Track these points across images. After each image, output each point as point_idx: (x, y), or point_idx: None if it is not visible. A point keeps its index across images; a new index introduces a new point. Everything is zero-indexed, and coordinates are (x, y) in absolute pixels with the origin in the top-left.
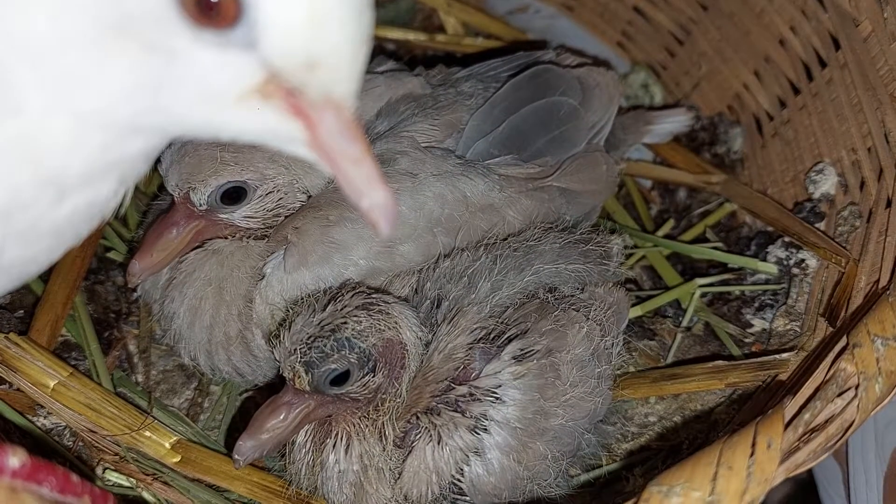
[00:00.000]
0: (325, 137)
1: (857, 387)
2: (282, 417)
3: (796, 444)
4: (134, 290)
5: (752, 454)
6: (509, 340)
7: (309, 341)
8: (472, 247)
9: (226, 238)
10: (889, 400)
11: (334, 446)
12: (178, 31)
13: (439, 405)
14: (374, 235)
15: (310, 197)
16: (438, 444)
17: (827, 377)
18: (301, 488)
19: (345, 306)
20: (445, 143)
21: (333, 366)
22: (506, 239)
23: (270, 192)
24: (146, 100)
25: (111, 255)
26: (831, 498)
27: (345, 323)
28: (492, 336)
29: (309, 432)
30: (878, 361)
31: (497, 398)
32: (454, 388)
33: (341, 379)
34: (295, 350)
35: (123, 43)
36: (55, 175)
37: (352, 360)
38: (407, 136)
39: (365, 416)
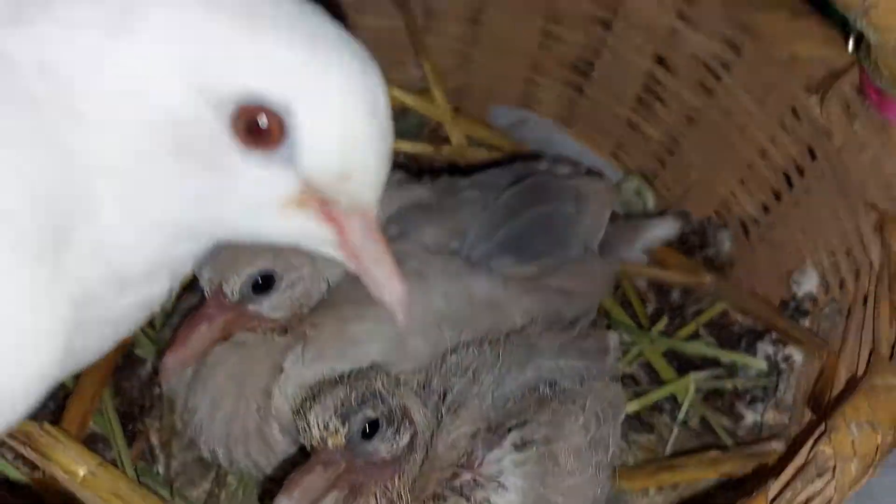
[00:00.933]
0: (352, 239)
1: (834, 468)
2: (317, 474)
3: None
4: (158, 384)
5: None
6: (510, 430)
7: (343, 397)
8: (476, 342)
9: (252, 331)
10: (865, 480)
11: None
12: (230, 152)
13: (445, 491)
14: (386, 331)
15: (329, 287)
16: None
17: (807, 460)
18: None
19: (367, 377)
20: (451, 246)
21: (369, 412)
22: (508, 335)
23: (295, 282)
24: (200, 209)
25: (137, 352)
26: None
27: (372, 381)
28: (494, 427)
29: None
30: (853, 444)
31: (500, 484)
32: (459, 475)
33: (372, 430)
34: (330, 406)
35: (184, 161)
36: (121, 273)
37: (383, 409)
38: (415, 239)
39: (384, 492)
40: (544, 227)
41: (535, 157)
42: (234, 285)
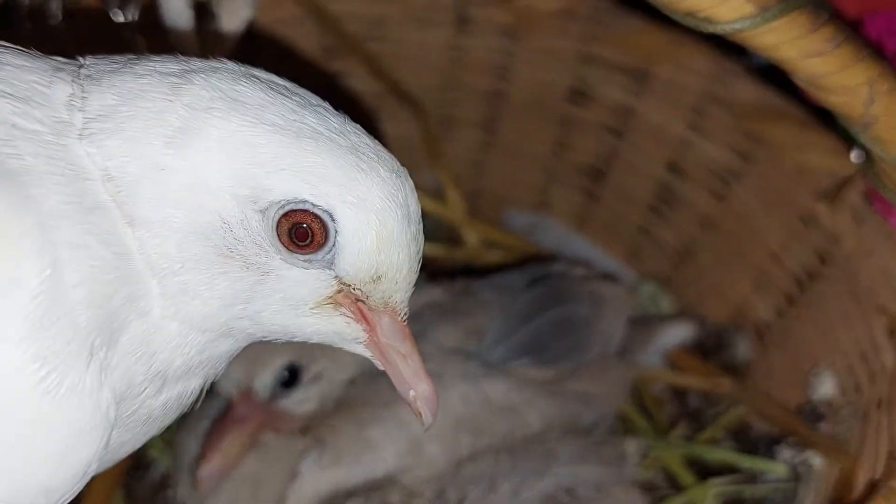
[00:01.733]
0: (382, 338)
1: None
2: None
3: None
4: (170, 487)
5: None
6: None
7: None
8: (493, 449)
9: (277, 431)
10: None
11: None
12: (273, 254)
13: None
14: (403, 436)
15: (348, 381)
16: None
17: None
18: None
19: (382, 489)
20: (467, 348)
21: None
22: (525, 442)
23: (319, 374)
24: (241, 308)
25: (150, 453)
26: None
27: (387, 494)
28: None
29: None
30: None
31: None
32: None
33: None
34: None
35: (230, 263)
36: (161, 371)
37: None
38: (432, 339)
39: None
40: (562, 330)
41: (551, 259)
42: (266, 380)
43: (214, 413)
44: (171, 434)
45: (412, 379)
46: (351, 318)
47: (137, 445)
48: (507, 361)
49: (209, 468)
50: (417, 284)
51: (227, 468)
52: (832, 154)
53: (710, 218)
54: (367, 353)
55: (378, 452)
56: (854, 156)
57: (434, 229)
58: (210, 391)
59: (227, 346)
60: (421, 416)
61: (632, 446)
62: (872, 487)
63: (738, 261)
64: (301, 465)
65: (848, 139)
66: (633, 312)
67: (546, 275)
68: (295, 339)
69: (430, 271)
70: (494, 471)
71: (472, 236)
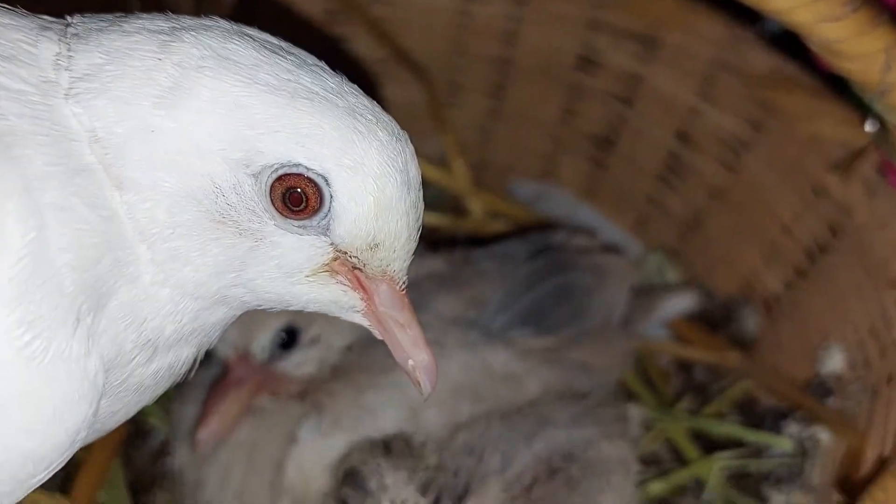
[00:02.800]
0: (380, 307)
1: None
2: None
3: None
4: (169, 456)
5: None
6: None
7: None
8: (485, 419)
9: (276, 395)
10: None
11: None
12: (268, 220)
13: None
14: (402, 401)
15: (346, 347)
16: None
17: None
18: None
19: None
20: (468, 317)
21: None
22: (519, 409)
23: (317, 338)
24: (234, 275)
25: (150, 420)
26: None
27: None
28: None
29: None
30: None
31: None
32: None
33: None
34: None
35: (222, 229)
36: (152, 338)
37: None
38: (432, 309)
39: None
40: (564, 299)
41: (552, 227)
42: (263, 343)
43: (211, 378)
44: (170, 402)
45: (411, 348)
46: (348, 286)
47: (129, 415)
48: (508, 330)
49: (207, 431)
50: (417, 254)
51: (226, 431)
52: (845, 124)
53: (720, 188)
54: (365, 323)
55: (376, 418)
56: (868, 125)
57: (437, 199)
58: (207, 357)
59: (221, 315)
60: (420, 385)
61: (634, 412)
62: (881, 464)
63: (747, 232)
64: (299, 430)
65: (862, 108)
66: (637, 283)
67: (548, 245)
68: (291, 308)
69: (433, 242)
70: (486, 440)
71: (476, 206)
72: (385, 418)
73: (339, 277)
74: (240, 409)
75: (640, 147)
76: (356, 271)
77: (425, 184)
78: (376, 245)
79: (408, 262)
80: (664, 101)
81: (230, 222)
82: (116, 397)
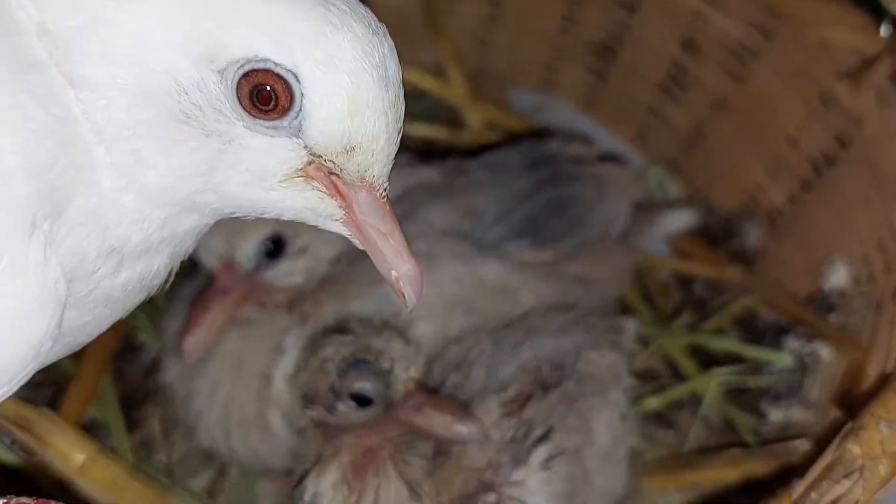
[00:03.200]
0: (359, 215)
1: (861, 468)
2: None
3: None
4: (159, 370)
5: None
6: (538, 441)
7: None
8: (478, 331)
9: (262, 306)
10: (894, 482)
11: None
12: (235, 121)
13: None
14: (389, 313)
15: (333, 258)
16: None
17: (834, 459)
18: None
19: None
20: (460, 227)
21: None
22: (508, 324)
23: (304, 248)
24: (202, 180)
25: (140, 336)
26: None
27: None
28: (519, 435)
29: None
30: (882, 444)
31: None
32: (482, 494)
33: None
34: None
35: (187, 130)
36: (117, 246)
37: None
38: (423, 219)
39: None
40: (562, 211)
41: (547, 135)
42: (248, 251)
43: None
44: (159, 317)
45: (394, 258)
46: (324, 192)
47: (102, 328)
48: (503, 242)
49: (192, 341)
50: (408, 164)
51: (211, 340)
52: (857, 30)
53: (725, 99)
54: (345, 232)
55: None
56: (883, 30)
57: (433, 110)
58: (194, 269)
59: (192, 223)
60: (404, 297)
61: (629, 325)
62: (884, 380)
63: (752, 144)
64: (286, 341)
65: (877, 12)
66: (638, 196)
67: (545, 154)
68: (266, 216)
69: (427, 154)
70: (476, 355)
71: (474, 118)
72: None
73: (315, 183)
74: (225, 319)
75: (643, 56)
76: (333, 177)
77: (420, 94)
78: (352, 148)
79: (388, 168)
80: (668, 7)
81: (195, 123)
82: (85, 309)
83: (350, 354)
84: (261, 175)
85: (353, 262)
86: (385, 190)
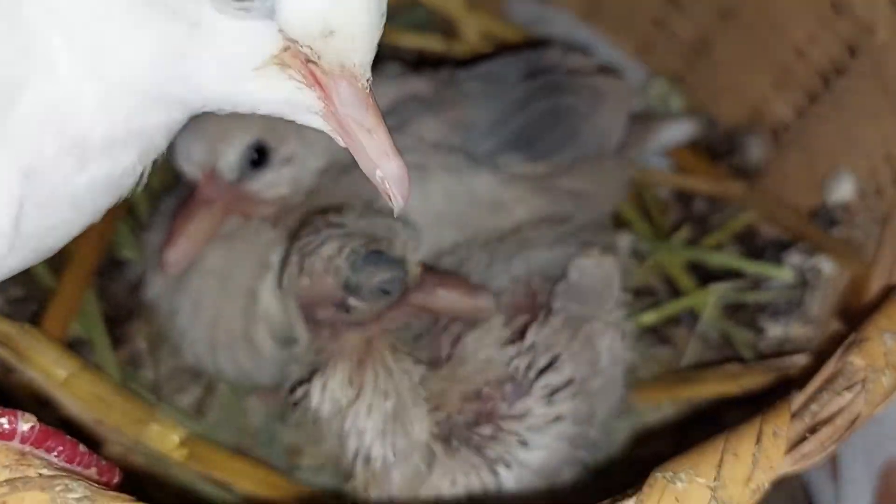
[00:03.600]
0: (340, 107)
1: (864, 380)
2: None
3: (803, 434)
4: (145, 287)
5: (757, 442)
6: (540, 373)
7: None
8: (469, 245)
9: (247, 217)
10: None
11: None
12: (203, 1)
13: (460, 445)
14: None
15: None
16: (452, 484)
17: (835, 371)
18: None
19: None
20: (451, 140)
21: None
22: (502, 238)
23: (290, 158)
24: (170, 69)
25: (124, 252)
26: None
27: None
28: (523, 365)
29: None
30: (886, 355)
31: (524, 442)
32: (478, 427)
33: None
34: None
35: (150, 13)
36: (78, 141)
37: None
38: (413, 131)
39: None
40: (556, 122)
41: (544, 46)
42: (231, 160)
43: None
44: (143, 232)
45: (378, 156)
46: (301, 82)
47: (72, 233)
48: (496, 155)
49: (174, 253)
50: (398, 75)
51: (193, 252)
52: None
53: (730, 8)
54: (326, 127)
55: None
56: None
57: (426, 20)
58: (177, 183)
59: (162, 117)
60: (390, 198)
61: (624, 241)
62: (888, 293)
63: (758, 55)
64: (272, 257)
65: None
66: (637, 109)
67: (540, 65)
68: (240, 110)
69: (419, 66)
70: (468, 268)
71: (469, 29)
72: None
73: (291, 72)
74: (208, 230)
75: None
76: (311, 65)
77: (413, 3)
78: (331, 32)
79: (370, 56)
80: None
81: (160, 4)
82: (50, 210)
83: (360, 247)
84: (232, 62)
85: (339, 175)
86: (368, 81)
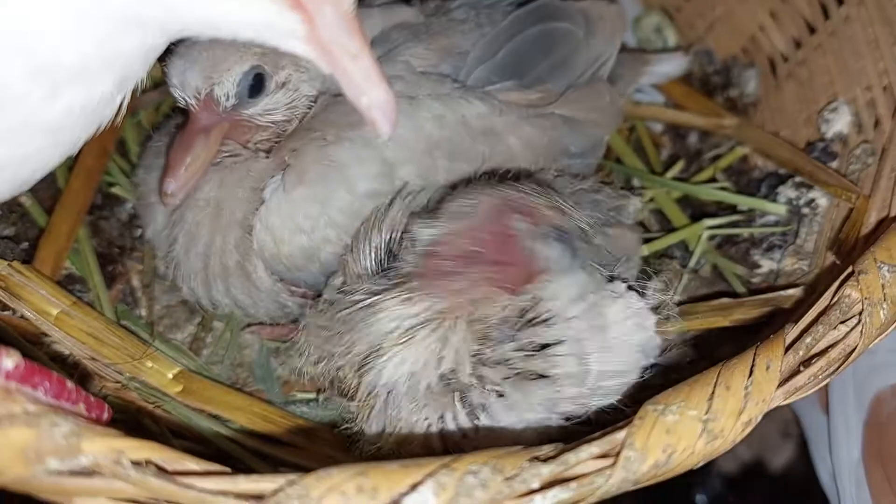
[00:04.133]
0: (323, 31)
1: (861, 313)
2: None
3: (797, 367)
4: (139, 225)
5: (750, 375)
6: (529, 322)
7: None
8: (469, 174)
9: (244, 144)
10: (894, 327)
11: None
12: None
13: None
14: (372, 155)
15: (312, 105)
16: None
17: (831, 303)
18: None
19: None
20: (441, 69)
21: None
22: (508, 171)
23: (285, 84)
24: None
25: (115, 190)
26: (820, 454)
27: None
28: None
29: None
30: (883, 288)
31: (501, 394)
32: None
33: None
34: None
35: None
36: (48, 66)
37: None
38: (402, 60)
39: None
40: (548, 48)
41: None
42: (228, 86)
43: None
44: (134, 171)
45: (363, 82)
46: (283, 4)
47: (50, 162)
48: (488, 82)
49: (174, 183)
50: (385, 3)
51: (194, 182)
52: None
53: None
54: (310, 53)
55: (345, 172)
56: None
57: None
58: (166, 121)
59: (136, 41)
60: (376, 124)
61: (634, 203)
62: (886, 224)
63: None
64: (265, 192)
65: None
66: (633, 43)
67: None
68: (220, 35)
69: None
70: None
71: None
72: (354, 172)
73: None
74: (206, 159)
75: None
76: None
77: None
78: None
79: None
80: None
81: None
82: (21, 139)
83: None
84: None
85: (329, 104)
86: (352, 6)
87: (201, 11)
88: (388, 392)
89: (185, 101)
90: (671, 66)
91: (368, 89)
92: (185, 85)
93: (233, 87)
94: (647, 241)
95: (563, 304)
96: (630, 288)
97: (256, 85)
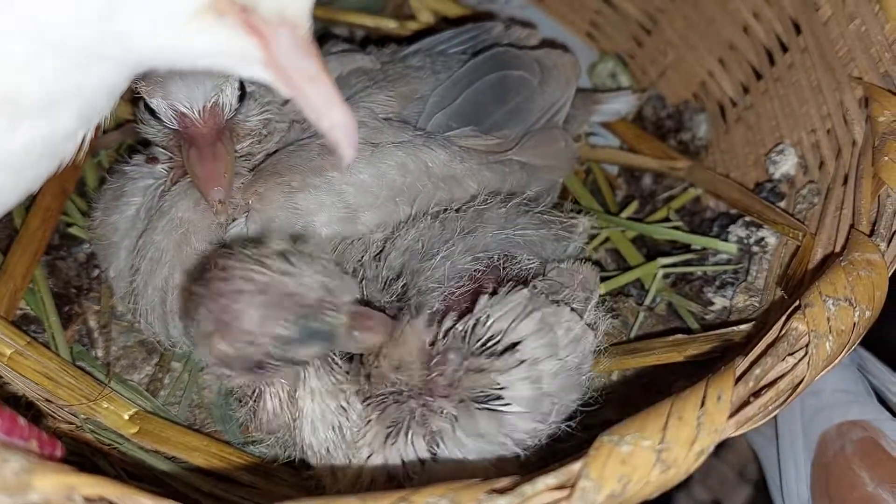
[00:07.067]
0: (281, 55)
1: (808, 345)
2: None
3: (747, 398)
4: (96, 265)
5: (702, 406)
6: (483, 345)
7: None
8: (427, 215)
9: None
10: (839, 359)
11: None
12: None
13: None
14: (336, 203)
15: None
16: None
17: (779, 336)
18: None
19: None
20: (403, 115)
21: None
22: (458, 209)
23: (256, 91)
24: (101, 23)
25: (73, 230)
26: (776, 492)
27: None
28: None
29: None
30: (829, 321)
31: (454, 417)
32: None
33: None
34: None
35: None
36: (8, 98)
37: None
38: (364, 106)
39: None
40: (505, 95)
41: (486, 18)
42: (233, 91)
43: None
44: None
45: (323, 105)
46: (239, 31)
47: (10, 200)
48: (447, 129)
49: (221, 190)
50: (342, 52)
51: (231, 183)
52: None
53: None
54: (269, 77)
55: (309, 220)
56: None
57: (382, 1)
58: (118, 161)
59: (101, 78)
60: (338, 147)
61: (583, 222)
62: (830, 262)
63: (704, 34)
64: (226, 235)
65: None
66: (587, 86)
67: (486, 40)
68: (179, 66)
69: (365, 44)
70: (425, 241)
71: (423, 10)
72: (319, 219)
73: (228, 20)
74: (232, 162)
75: None
76: (248, 13)
77: None
78: None
79: (309, 4)
80: None
81: None
82: None
83: (287, 322)
84: (164, 14)
85: (297, 152)
86: (308, 30)
87: (159, 43)
88: (325, 449)
89: (188, 118)
90: (620, 104)
91: (328, 111)
92: (194, 100)
93: (236, 90)
94: (603, 279)
95: (510, 324)
96: (573, 310)
97: (242, 93)
